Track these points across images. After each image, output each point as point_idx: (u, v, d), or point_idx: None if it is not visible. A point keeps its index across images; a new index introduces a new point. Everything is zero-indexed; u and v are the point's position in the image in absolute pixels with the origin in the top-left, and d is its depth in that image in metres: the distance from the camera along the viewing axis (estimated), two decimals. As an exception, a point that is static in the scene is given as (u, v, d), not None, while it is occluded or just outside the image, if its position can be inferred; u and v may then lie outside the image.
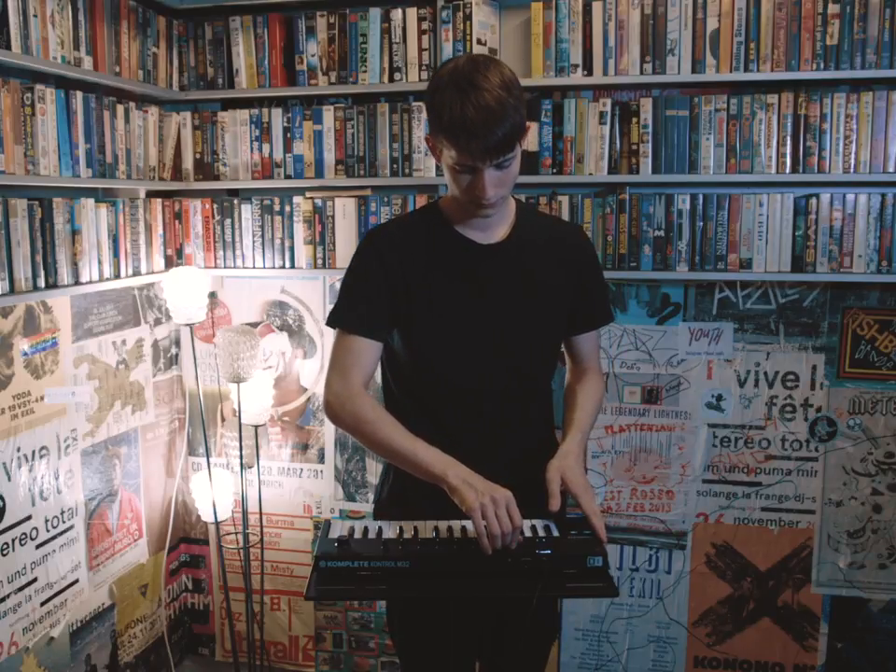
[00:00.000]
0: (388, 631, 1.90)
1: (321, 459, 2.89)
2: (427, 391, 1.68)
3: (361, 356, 1.63)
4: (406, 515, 1.61)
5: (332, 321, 1.68)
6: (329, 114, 2.59)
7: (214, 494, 2.67)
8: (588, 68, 2.40)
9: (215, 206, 2.70)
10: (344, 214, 2.61)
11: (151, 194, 2.68)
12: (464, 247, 1.65)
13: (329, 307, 2.78)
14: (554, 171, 2.47)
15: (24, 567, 2.25)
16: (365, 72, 2.53)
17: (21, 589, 2.24)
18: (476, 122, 1.43)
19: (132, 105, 2.48)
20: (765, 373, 2.58)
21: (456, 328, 1.64)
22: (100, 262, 2.36)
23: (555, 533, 1.54)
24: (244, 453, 2.64)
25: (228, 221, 2.70)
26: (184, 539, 3.03)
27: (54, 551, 2.37)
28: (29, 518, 2.26)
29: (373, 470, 2.85)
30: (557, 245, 1.72)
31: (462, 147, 1.46)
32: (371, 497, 2.86)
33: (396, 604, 1.86)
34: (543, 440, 1.76)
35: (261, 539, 2.81)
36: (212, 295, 2.83)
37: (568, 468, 1.56)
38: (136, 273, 2.54)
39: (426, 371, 1.66)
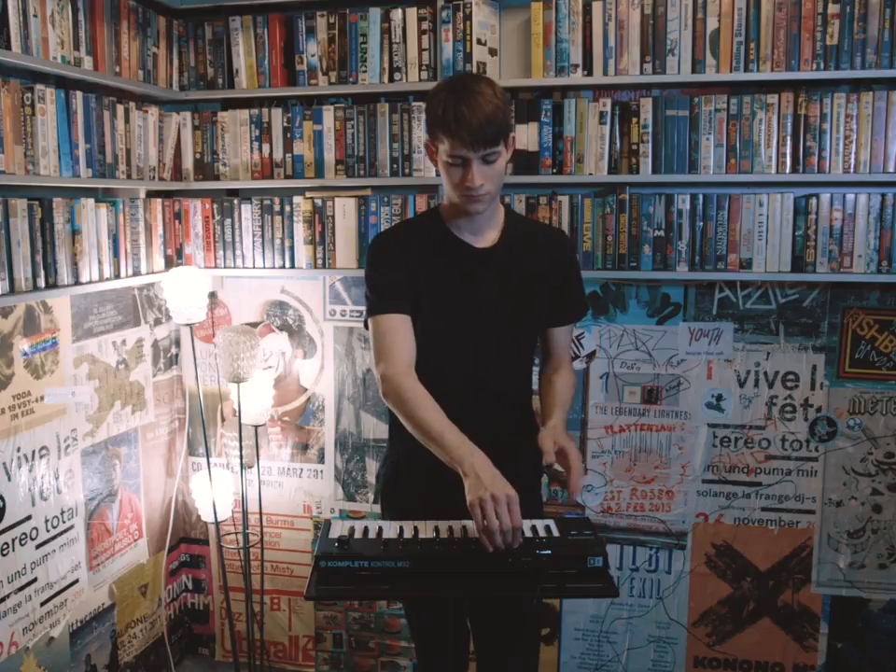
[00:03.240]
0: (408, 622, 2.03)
1: (321, 459, 2.89)
2: (429, 375, 1.77)
3: (396, 333, 1.75)
4: (405, 492, 1.84)
5: (366, 317, 1.82)
6: (328, 114, 2.59)
7: (214, 494, 2.67)
8: (588, 68, 2.40)
9: (215, 206, 2.70)
10: (344, 214, 2.61)
11: (151, 194, 2.68)
12: (460, 250, 1.82)
13: (329, 307, 2.81)
14: (554, 171, 2.47)
15: (24, 567, 2.26)
16: (365, 72, 2.53)
17: (21, 589, 2.24)
18: (465, 113, 1.64)
19: (132, 105, 2.48)
20: (765, 373, 2.58)
21: (452, 324, 1.81)
22: (100, 262, 2.36)
23: (555, 533, 1.54)
24: (244, 453, 2.64)
25: (228, 221, 2.70)
26: (184, 539, 3.03)
27: (54, 551, 2.37)
28: (29, 518, 2.26)
29: (373, 470, 2.85)
30: (543, 247, 1.90)
31: (453, 135, 1.65)
32: (371, 496, 2.87)
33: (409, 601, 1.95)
34: (523, 421, 1.93)
35: (261, 539, 2.81)
36: (212, 295, 2.83)
37: (559, 433, 1.74)
38: (136, 273, 2.54)
39: (426, 359, 1.78)
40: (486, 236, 1.84)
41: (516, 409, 1.92)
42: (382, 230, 2.56)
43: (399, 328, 1.75)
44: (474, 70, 2.43)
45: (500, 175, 1.73)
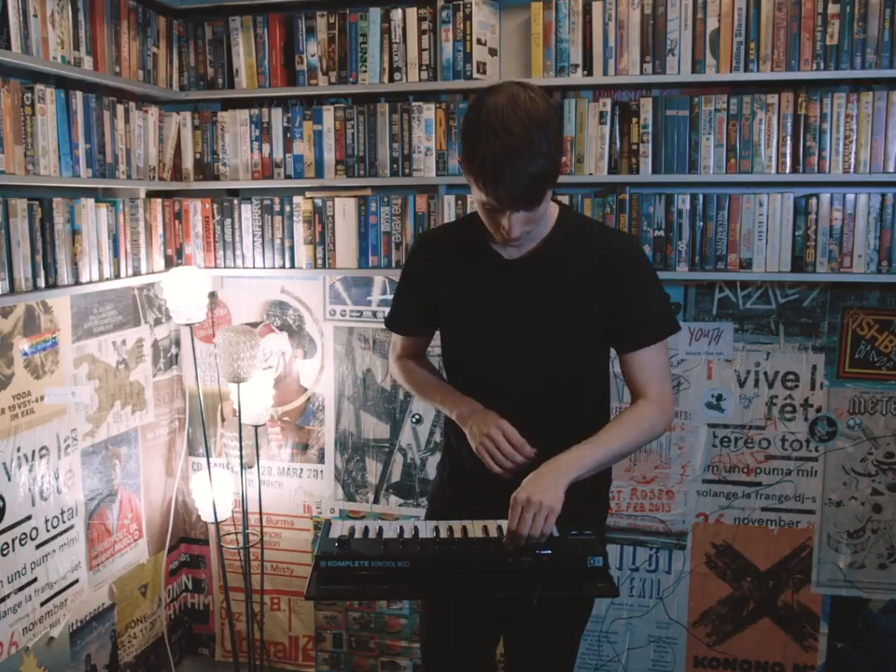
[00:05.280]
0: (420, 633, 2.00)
1: (321, 459, 2.89)
2: (462, 384, 1.81)
3: (407, 343, 1.93)
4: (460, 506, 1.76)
5: (385, 321, 1.97)
6: (328, 114, 2.59)
7: (214, 494, 2.67)
8: (588, 68, 2.40)
9: (215, 206, 2.70)
10: (344, 214, 2.61)
11: (151, 194, 2.68)
12: (487, 260, 1.70)
13: (329, 307, 2.81)
14: (554, 171, 2.47)
15: (24, 567, 2.25)
16: (365, 72, 2.53)
17: (21, 589, 2.24)
18: (507, 175, 1.44)
19: (132, 104, 2.48)
20: (765, 373, 2.58)
21: (478, 337, 1.73)
22: (100, 262, 2.36)
23: (555, 533, 1.54)
24: (244, 453, 2.64)
25: (228, 221, 2.70)
26: (184, 539, 3.03)
27: (54, 551, 2.37)
28: (29, 518, 2.26)
29: (373, 470, 2.85)
30: (589, 263, 1.65)
31: (490, 193, 1.49)
32: (371, 496, 2.87)
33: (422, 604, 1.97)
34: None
35: (261, 539, 2.81)
36: (212, 295, 2.83)
37: (531, 480, 1.52)
38: (136, 273, 2.54)
39: (457, 370, 1.83)
40: (525, 245, 1.65)
41: (561, 429, 1.67)
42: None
43: (411, 342, 1.92)
44: (474, 71, 2.43)
45: (544, 214, 1.58)
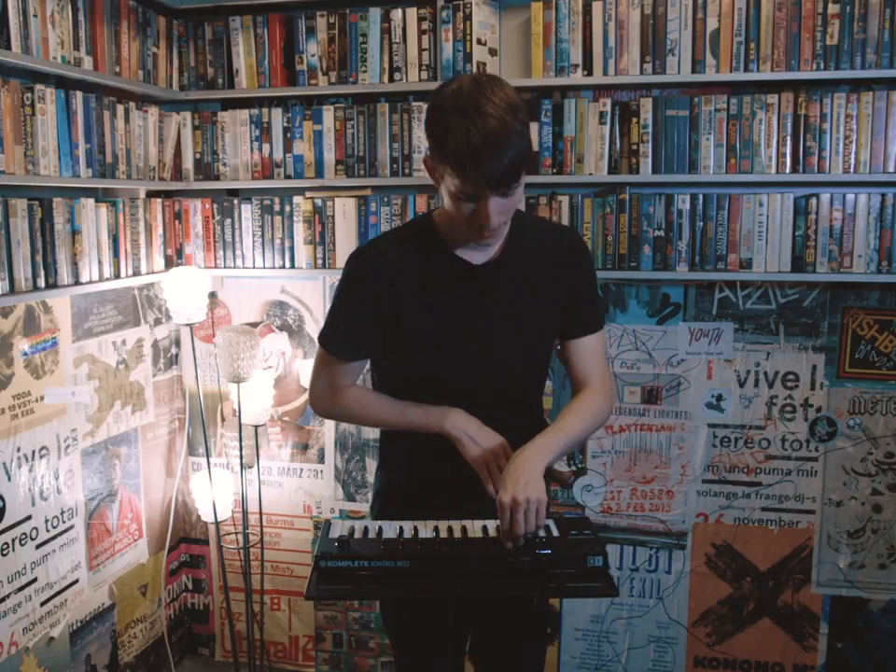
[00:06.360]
0: (384, 623, 1.95)
1: (321, 459, 2.89)
2: (417, 395, 1.67)
3: (343, 371, 1.71)
4: (408, 507, 1.67)
5: (319, 341, 1.74)
6: (328, 114, 2.59)
7: (214, 494, 2.68)
8: (588, 68, 2.40)
9: (215, 206, 2.70)
10: (344, 214, 2.61)
11: (151, 194, 2.69)
12: (456, 268, 1.61)
13: (330, 307, 2.81)
14: (554, 171, 2.47)
15: (24, 567, 2.26)
16: (365, 72, 2.53)
17: (21, 589, 2.24)
18: (483, 153, 1.38)
19: (132, 104, 2.48)
20: (765, 373, 2.58)
21: (447, 355, 1.63)
22: (100, 262, 2.36)
23: (555, 533, 1.55)
24: (244, 453, 2.64)
25: (228, 221, 2.70)
26: (184, 539, 3.03)
27: (54, 551, 2.37)
28: (29, 518, 2.26)
29: (373, 470, 2.84)
30: (549, 257, 1.66)
31: (468, 178, 1.42)
32: (371, 496, 2.86)
33: (388, 599, 1.89)
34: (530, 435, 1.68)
35: (261, 539, 2.81)
36: (212, 295, 2.83)
37: (512, 469, 1.51)
38: (136, 273, 2.54)
39: (415, 382, 1.67)
40: (487, 250, 1.60)
41: (524, 431, 1.64)
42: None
43: (348, 369, 1.71)
44: (474, 71, 2.43)
45: (518, 202, 1.51)
